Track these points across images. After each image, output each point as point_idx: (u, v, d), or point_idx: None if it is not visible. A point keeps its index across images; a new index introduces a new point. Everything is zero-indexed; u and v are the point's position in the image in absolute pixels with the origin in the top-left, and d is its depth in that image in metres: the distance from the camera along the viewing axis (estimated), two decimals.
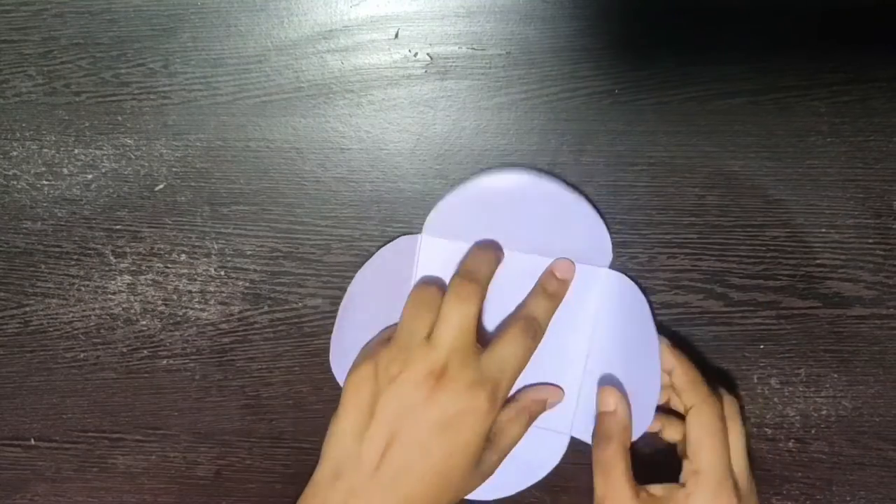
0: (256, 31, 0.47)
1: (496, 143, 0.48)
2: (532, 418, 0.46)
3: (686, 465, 0.44)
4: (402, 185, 0.48)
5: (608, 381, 0.47)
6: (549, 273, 0.47)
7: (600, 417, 0.46)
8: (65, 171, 0.48)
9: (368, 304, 0.48)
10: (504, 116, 0.48)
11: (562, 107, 0.48)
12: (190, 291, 0.49)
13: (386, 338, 0.45)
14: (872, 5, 0.47)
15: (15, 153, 0.48)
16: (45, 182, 0.48)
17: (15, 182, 0.48)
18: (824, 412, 0.50)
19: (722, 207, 0.48)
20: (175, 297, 0.49)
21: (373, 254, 0.48)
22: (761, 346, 0.49)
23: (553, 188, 0.47)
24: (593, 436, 0.46)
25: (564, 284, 0.47)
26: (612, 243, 0.48)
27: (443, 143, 0.48)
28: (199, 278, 0.49)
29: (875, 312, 0.49)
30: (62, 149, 0.48)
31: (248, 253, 0.49)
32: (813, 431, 0.50)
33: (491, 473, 0.44)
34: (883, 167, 0.48)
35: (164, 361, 0.50)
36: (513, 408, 0.45)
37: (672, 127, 0.48)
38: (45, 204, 0.49)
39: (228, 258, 0.49)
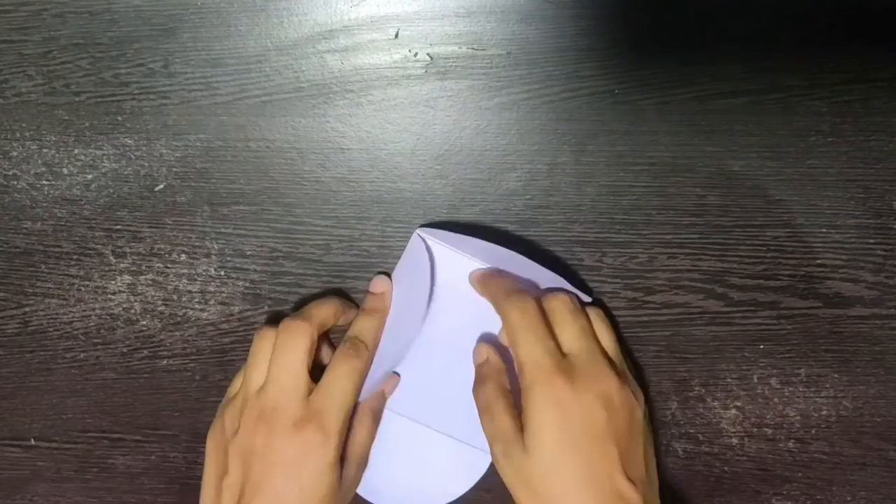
0: (256, 31, 0.47)
1: (496, 143, 0.48)
2: (376, 415, 0.47)
3: None
4: (402, 185, 0.48)
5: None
6: (369, 292, 0.48)
7: (476, 369, 0.47)
8: (65, 171, 0.48)
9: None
10: (505, 116, 0.48)
11: (563, 107, 0.48)
12: (190, 291, 0.49)
13: (232, 395, 0.46)
14: (873, 5, 0.47)
15: (15, 153, 0.48)
16: (45, 182, 0.48)
17: (15, 182, 0.48)
18: (825, 412, 0.50)
19: (722, 207, 0.48)
20: (175, 297, 0.49)
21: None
22: (761, 346, 0.49)
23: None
24: (474, 390, 0.46)
25: (382, 298, 0.48)
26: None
27: (443, 143, 0.48)
28: (199, 278, 0.49)
29: (876, 312, 0.49)
30: (62, 149, 0.48)
31: (248, 253, 0.49)
32: (813, 431, 0.50)
33: (358, 482, 0.46)
34: (884, 167, 0.48)
35: (164, 361, 0.50)
36: (354, 415, 0.46)
37: (673, 127, 0.48)
38: (45, 204, 0.48)
39: (228, 258, 0.49)
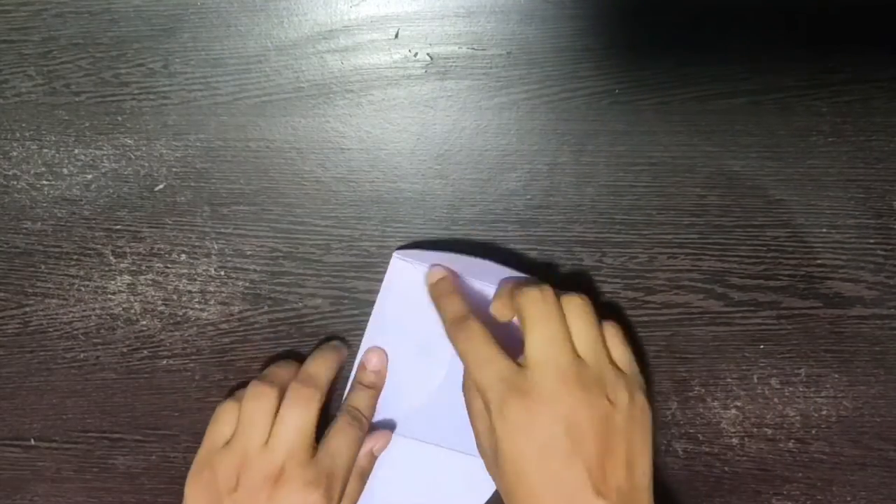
0: (256, 31, 0.47)
1: (496, 143, 0.48)
2: (365, 473, 0.48)
3: None
4: (402, 185, 0.48)
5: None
6: (361, 366, 0.48)
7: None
8: (65, 171, 0.48)
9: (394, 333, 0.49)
10: (504, 116, 0.48)
11: (562, 107, 0.48)
12: (190, 291, 0.49)
13: (220, 444, 0.45)
14: (873, 5, 0.47)
15: (15, 153, 0.48)
16: (45, 182, 0.48)
17: (15, 182, 0.48)
18: (825, 412, 0.50)
19: (722, 207, 0.48)
20: (175, 297, 0.49)
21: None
22: (761, 346, 0.49)
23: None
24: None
25: (379, 374, 0.48)
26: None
27: (443, 143, 0.48)
28: (199, 278, 0.49)
29: (876, 313, 0.49)
30: (62, 149, 0.48)
31: (248, 253, 0.49)
32: (813, 432, 0.50)
33: None
34: (884, 167, 0.48)
35: (164, 361, 0.50)
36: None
37: (673, 127, 0.48)
38: (45, 204, 0.48)
39: (228, 258, 0.49)
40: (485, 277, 0.48)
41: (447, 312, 0.45)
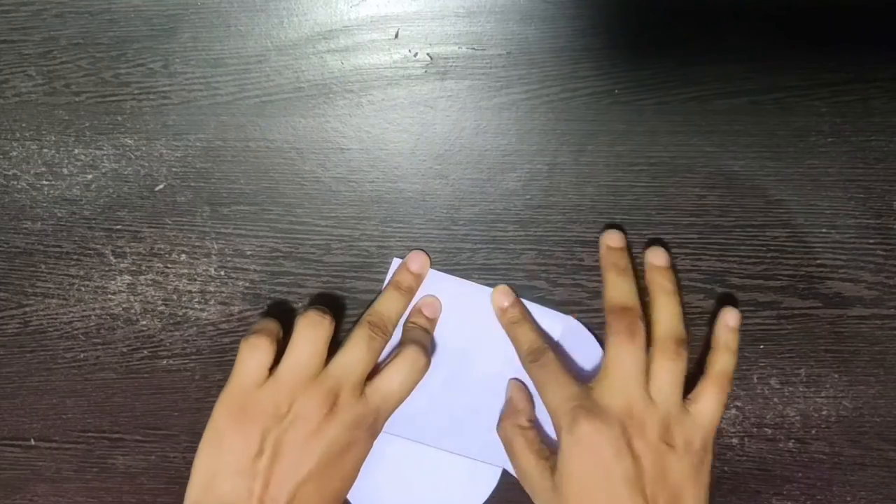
0: (256, 31, 0.47)
1: (496, 143, 0.48)
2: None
3: None
4: (402, 185, 0.48)
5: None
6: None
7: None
8: (65, 171, 0.48)
9: None
10: (504, 116, 0.48)
11: (562, 107, 0.48)
12: (190, 291, 0.49)
13: (259, 377, 0.44)
14: (873, 5, 0.47)
15: (15, 153, 0.48)
16: (45, 182, 0.48)
17: (15, 182, 0.48)
18: (825, 412, 0.50)
19: (722, 207, 0.48)
20: (175, 297, 0.49)
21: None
22: (761, 346, 0.49)
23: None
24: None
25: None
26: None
27: (443, 143, 0.48)
28: (199, 278, 0.49)
29: (876, 313, 0.49)
30: (62, 149, 0.48)
31: (248, 253, 0.49)
32: (813, 431, 0.50)
33: None
34: (884, 167, 0.48)
35: (164, 361, 0.50)
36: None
37: (672, 127, 0.48)
38: (45, 204, 0.48)
39: (228, 258, 0.49)
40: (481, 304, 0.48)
41: (523, 342, 0.47)
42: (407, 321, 0.48)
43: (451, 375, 0.48)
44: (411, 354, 0.45)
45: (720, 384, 0.45)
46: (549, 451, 0.45)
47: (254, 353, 0.44)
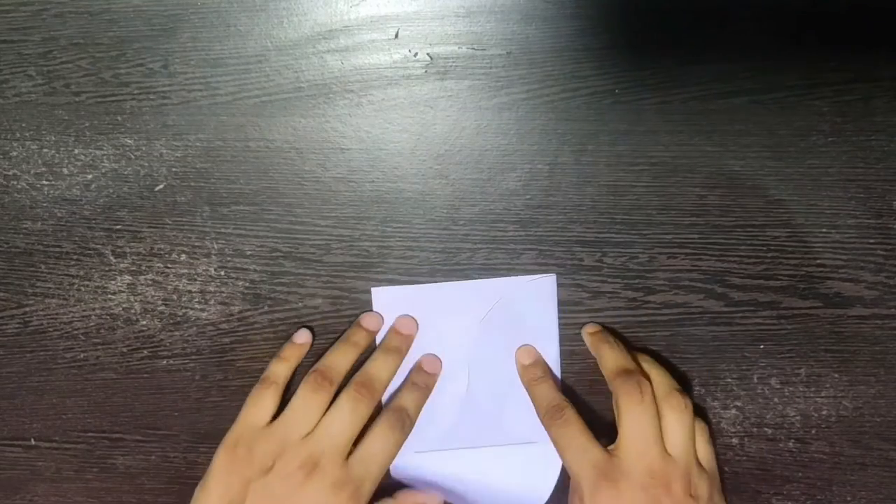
0: (256, 31, 0.47)
1: (496, 143, 0.48)
2: None
3: None
4: (402, 185, 0.48)
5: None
6: (417, 367, 0.49)
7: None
8: (65, 171, 0.48)
9: None
10: (504, 116, 0.48)
11: (563, 107, 0.48)
12: (190, 291, 0.49)
13: (260, 424, 0.46)
14: (874, 5, 0.47)
15: (15, 153, 0.48)
16: (45, 182, 0.48)
17: (15, 182, 0.48)
18: (825, 412, 0.50)
19: (723, 207, 0.48)
20: (175, 297, 0.49)
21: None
22: (761, 346, 0.49)
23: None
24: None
25: (433, 377, 0.49)
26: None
27: (443, 143, 0.48)
28: (199, 278, 0.49)
29: (876, 312, 0.49)
30: (62, 149, 0.48)
31: (248, 253, 0.49)
32: (813, 431, 0.50)
33: None
34: (884, 167, 0.48)
35: (164, 361, 0.50)
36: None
37: (673, 127, 0.48)
38: (45, 204, 0.48)
39: (228, 258, 0.49)
40: (465, 300, 0.49)
41: (543, 400, 0.47)
42: (408, 379, 0.49)
43: (474, 377, 0.49)
44: (392, 421, 0.46)
45: (680, 408, 0.45)
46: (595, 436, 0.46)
47: (257, 404, 0.46)
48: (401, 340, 0.48)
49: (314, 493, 0.43)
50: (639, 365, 0.47)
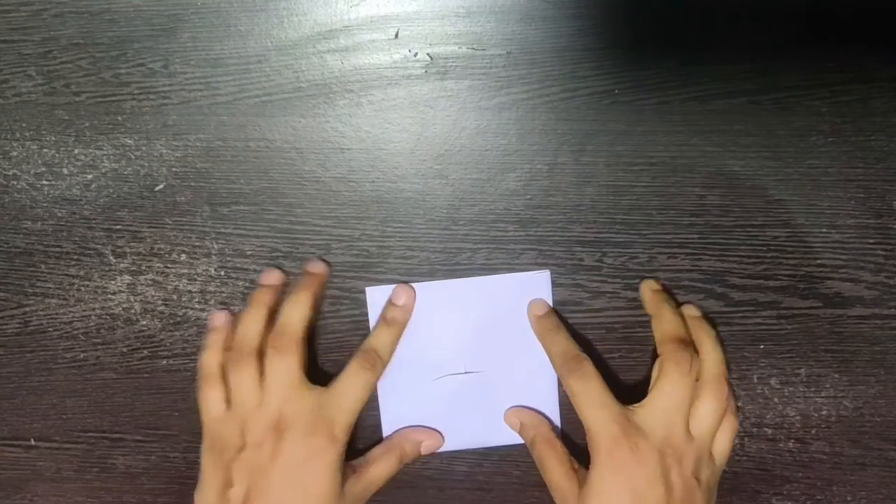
0: (256, 31, 0.47)
1: (496, 143, 0.48)
2: (402, 458, 0.48)
3: None
4: (402, 185, 0.48)
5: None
6: (389, 301, 0.48)
7: (521, 435, 0.49)
8: (65, 171, 0.48)
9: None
10: (504, 116, 0.48)
11: (562, 107, 0.48)
12: (190, 291, 0.49)
13: (219, 415, 0.46)
14: (873, 5, 0.47)
15: (15, 153, 0.48)
16: (45, 182, 0.48)
17: (15, 182, 0.48)
18: (825, 412, 0.50)
19: (722, 207, 0.48)
20: (175, 297, 0.49)
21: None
22: (761, 346, 0.49)
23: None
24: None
25: (405, 310, 0.48)
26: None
27: (443, 143, 0.48)
28: (199, 278, 0.49)
29: (876, 312, 0.49)
30: (62, 149, 0.48)
31: (248, 253, 0.49)
32: (813, 431, 0.50)
33: (361, 501, 0.46)
34: (884, 167, 0.48)
35: (164, 361, 0.50)
36: (384, 445, 0.48)
37: (673, 127, 0.48)
38: (45, 204, 0.48)
39: (228, 258, 0.49)
40: (458, 298, 0.49)
41: (556, 347, 0.47)
42: (380, 316, 0.48)
43: (469, 374, 0.49)
44: (362, 361, 0.46)
45: (720, 398, 0.45)
46: (576, 462, 0.46)
47: (207, 400, 0.46)
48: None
49: (291, 447, 0.43)
50: (701, 336, 0.47)
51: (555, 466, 0.46)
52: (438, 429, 0.49)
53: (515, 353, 0.49)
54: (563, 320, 0.49)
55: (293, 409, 0.44)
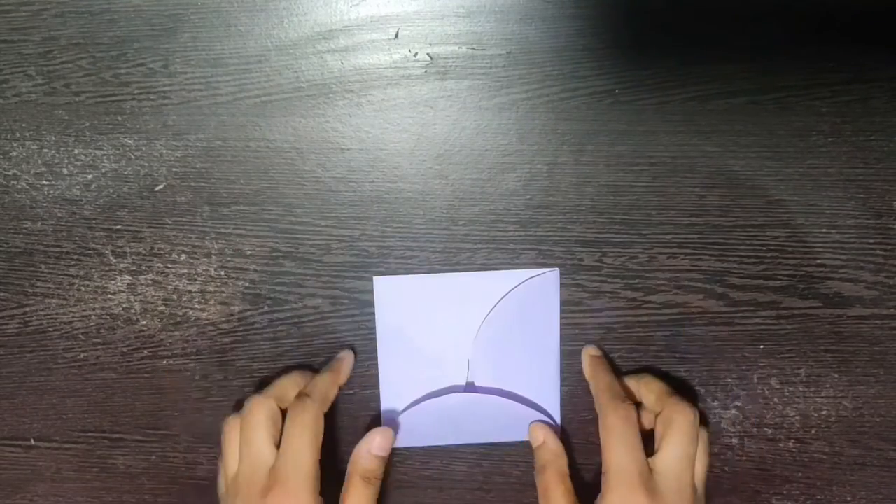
0: (256, 31, 0.47)
1: (496, 143, 0.48)
2: (364, 474, 0.46)
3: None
4: (402, 185, 0.48)
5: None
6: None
7: (535, 452, 0.48)
8: (65, 171, 0.48)
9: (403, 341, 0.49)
10: (504, 116, 0.48)
11: (562, 107, 0.48)
12: (190, 291, 0.49)
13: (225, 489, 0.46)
14: (873, 6, 0.47)
15: (15, 153, 0.48)
16: (45, 182, 0.48)
17: (15, 182, 0.48)
18: (824, 412, 0.50)
19: (722, 207, 0.48)
20: (175, 297, 0.49)
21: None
22: (761, 346, 0.49)
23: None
24: (535, 474, 0.48)
25: (342, 363, 0.49)
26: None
27: (443, 143, 0.48)
28: (199, 278, 0.49)
29: (876, 313, 0.49)
30: (62, 149, 0.48)
31: (248, 253, 0.49)
32: (813, 431, 0.50)
33: None
34: (884, 167, 0.48)
35: (164, 361, 0.50)
36: (346, 478, 0.46)
37: (673, 127, 0.48)
38: (45, 204, 0.48)
39: (228, 258, 0.49)
40: (467, 292, 0.49)
41: (604, 383, 0.47)
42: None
43: (473, 370, 0.49)
44: (296, 411, 0.45)
45: (706, 444, 0.47)
46: (579, 500, 0.46)
47: (226, 440, 0.46)
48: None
49: None
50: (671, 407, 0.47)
51: (558, 500, 0.46)
52: (440, 425, 0.49)
53: (520, 348, 0.49)
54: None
55: (253, 475, 0.44)
